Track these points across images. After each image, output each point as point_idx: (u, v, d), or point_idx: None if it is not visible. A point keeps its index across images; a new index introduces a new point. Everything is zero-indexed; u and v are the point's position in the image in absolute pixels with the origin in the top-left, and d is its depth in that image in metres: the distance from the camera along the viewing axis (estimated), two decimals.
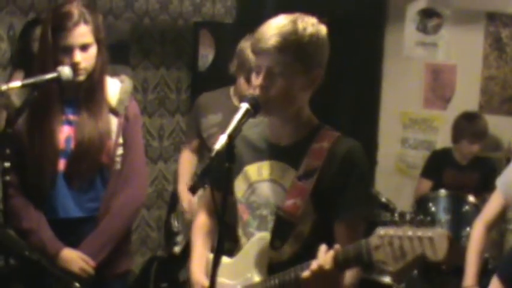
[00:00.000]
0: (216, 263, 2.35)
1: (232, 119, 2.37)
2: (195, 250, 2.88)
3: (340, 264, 2.29)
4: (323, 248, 2.34)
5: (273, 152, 2.63)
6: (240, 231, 2.73)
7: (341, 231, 2.54)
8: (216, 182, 2.53)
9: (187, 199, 4.22)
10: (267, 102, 2.48)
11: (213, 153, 2.26)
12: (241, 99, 3.80)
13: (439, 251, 2.06)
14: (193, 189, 4.18)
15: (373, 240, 2.19)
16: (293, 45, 2.45)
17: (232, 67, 3.94)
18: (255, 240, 2.62)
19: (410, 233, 2.10)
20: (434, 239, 2.06)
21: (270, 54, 2.47)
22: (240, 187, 2.70)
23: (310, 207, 2.53)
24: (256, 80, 2.53)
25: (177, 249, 4.30)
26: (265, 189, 2.62)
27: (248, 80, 3.70)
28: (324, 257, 2.31)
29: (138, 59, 6.05)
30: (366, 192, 2.70)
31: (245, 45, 3.80)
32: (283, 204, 2.55)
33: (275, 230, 2.57)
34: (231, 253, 2.74)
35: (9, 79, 5.16)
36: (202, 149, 4.25)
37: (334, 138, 2.57)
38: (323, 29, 2.54)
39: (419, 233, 2.08)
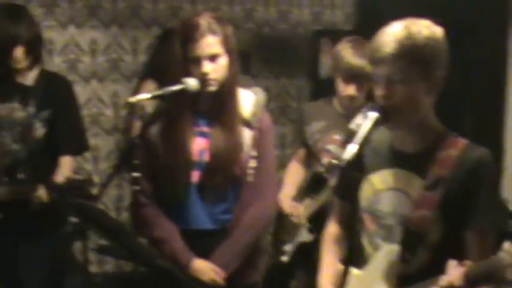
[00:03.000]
0: (345, 275, 2.33)
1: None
2: (324, 262, 2.86)
3: (471, 281, 2.26)
4: (453, 263, 2.31)
5: (398, 159, 2.58)
6: (365, 241, 2.69)
7: (471, 240, 2.48)
8: (344, 192, 2.64)
9: (288, 204, 4.20)
10: (391, 110, 2.45)
11: (343, 163, 2.24)
12: (343, 105, 3.83)
13: None
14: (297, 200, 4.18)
15: (505, 257, 2.16)
16: (409, 50, 2.41)
17: (330, 70, 3.97)
18: (384, 252, 2.58)
19: None
20: None
21: (387, 62, 2.43)
22: (364, 196, 2.66)
23: (439, 217, 2.48)
24: (378, 90, 2.49)
25: (284, 258, 4.27)
26: (391, 198, 2.58)
27: (345, 81, 3.77)
28: (454, 273, 2.28)
29: (258, 68, 6.08)
30: (496, 200, 2.63)
31: (340, 47, 3.85)
32: (411, 215, 2.51)
33: (404, 243, 2.52)
34: (356, 263, 2.70)
35: (136, 90, 5.29)
36: (309, 158, 4.23)
37: (463, 145, 2.51)
38: (438, 31, 2.49)
39: None
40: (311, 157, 4.19)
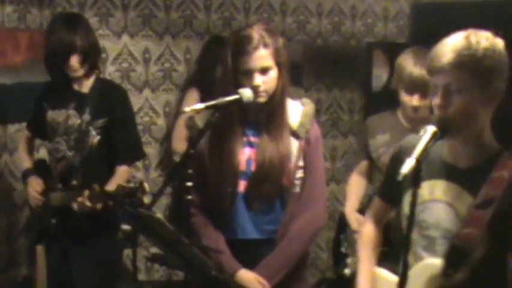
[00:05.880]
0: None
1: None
2: (362, 264, 2.88)
3: None
4: None
5: (449, 172, 2.56)
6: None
7: None
8: (390, 195, 2.77)
9: (355, 219, 4.19)
10: (447, 121, 2.43)
11: (400, 177, 2.23)
12: (407, 116, 3.80)
13: None
14: (362, 213, 4.17)
15: None
16: (467, 60, 2.39)
17: (393, 82, 3.94)
18: (426, 265, 2.57)
19: None
20: None
21: (445, 72, 2.41)
22: (409, 204, 2.62)
23: (486, 237, 2.44)
24: (434, 100, 2.47)
25: (347, 271, 4.25)
26: (437, 211, 2.57)
27: (408, 92, 3.74)
28: None
29: (311, 80, 6.09)
30: None
31: (402, 58, 3.83)
32: (459, 232, 2.48)
33: (449, 258, 2.49)
34: (394, 269, 2.72)
35: (182, 99, 5.32)
36: (372, 171, 4.22)
37: None
38: (499, 42, 2.46)
39: None
40: (374, 170, 4.18)
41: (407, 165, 2.24)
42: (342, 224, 4.36)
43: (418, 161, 2.26)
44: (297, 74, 5.86)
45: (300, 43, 5.97)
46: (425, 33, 5.86)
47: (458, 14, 5.49)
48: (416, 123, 3.76)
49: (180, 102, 5.32)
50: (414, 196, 2.30)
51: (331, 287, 5.52)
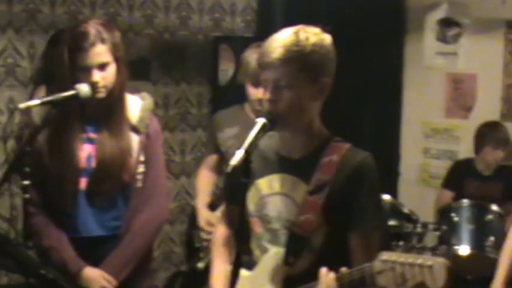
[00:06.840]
0: (234, 276, 2.37)
1: (248, 133, 2.38)
2: (215, 265, 2.88)
3: (345, 286, 2.33)
4: (323, 271, 2.39)
5: (284, 165, 2.63)
6: (253, 244, 2.73)
7: (355, 243, 2.56)
8: (232, 195, 2.68)
9: (204, 217, 4.23)
10: (277, 115, 2.50)
11: (230, 169, 2.27)
12: (254, 109, 3.88)
13: (437, 279, 2.11)
14: (213, 207, 4.23)
15: (377, 264, 2.25)
16: (296, 55, 2.46)
17: (239, 77, 4.02)
18: (269, 255, 2.62)
19: (411, 260, 2.15)
20: (434, 268, 2.11)
21: (274, 67, 2.48)
22: (251, 200, 2.70)
23: (322, 221, 2.54)
24: (265, 95, 2.54)
25: (200, 264, 4.29)
26: (277, 203, 2.63)
27: (254, 85, 3.82)
28: (326, 280, 2.36)
29: (158, 74, 6.06)
30: (378, 203, 2.68)
31: (247, 53, 3.93)
32: (296, 219, 2.56)
33: (288, 247, 2.57)
34: (247, 265, 2.75)
35: (31, 97, 5.20)
36: (222, 164, 4.27)
37: (344, 150, 2.58)
38: (327, 38, 2.55)
39: (420, 260, 2.13)
40: (223, 163, 4.21)
41: (237, 157, 2.30)
42: (194, 218, 4.40)
43: (248, 152, 2.31)
44: (144, 68, 5.85)
45: (147, 37, 5.93)
46: (272, 28, 5.96)
47: (305, 8, 5.62)
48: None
49: (29, 99, 5.20)
50: (245, 186, 2.35)
51: (186, 281, 5.54)
